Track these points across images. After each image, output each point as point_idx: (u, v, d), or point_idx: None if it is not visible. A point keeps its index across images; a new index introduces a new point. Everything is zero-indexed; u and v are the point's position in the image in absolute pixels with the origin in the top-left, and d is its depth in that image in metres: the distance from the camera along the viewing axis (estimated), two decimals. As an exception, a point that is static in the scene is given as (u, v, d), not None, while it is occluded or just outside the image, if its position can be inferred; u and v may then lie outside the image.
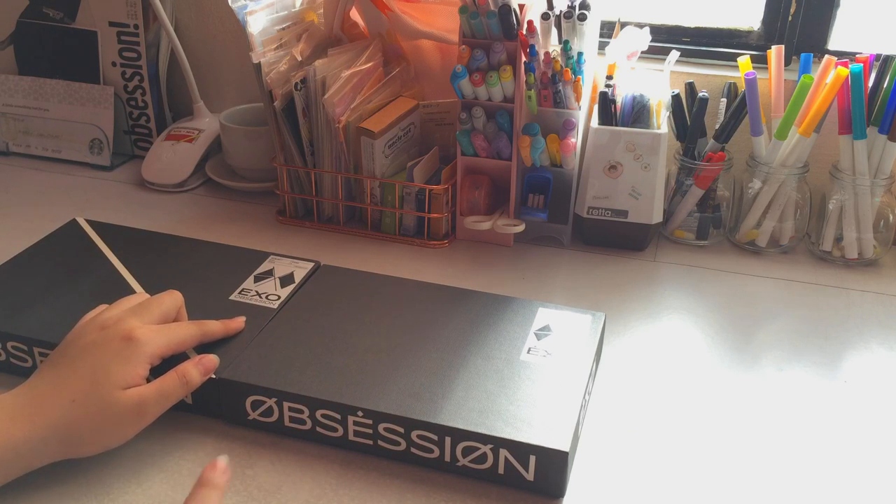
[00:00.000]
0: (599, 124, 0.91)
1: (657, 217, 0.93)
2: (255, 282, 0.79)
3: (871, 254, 0.93)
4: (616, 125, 0.91)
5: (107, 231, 0.87)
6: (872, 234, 0.92)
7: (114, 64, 1.16)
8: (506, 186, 0.94)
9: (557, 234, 0.97)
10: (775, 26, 1.01)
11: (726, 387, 0.74)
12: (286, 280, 0.79)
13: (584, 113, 0.92)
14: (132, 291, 0.77)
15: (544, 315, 0.75)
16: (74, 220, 0.89)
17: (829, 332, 0.82)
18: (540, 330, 0.73)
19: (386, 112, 0.95)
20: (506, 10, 0.85)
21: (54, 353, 0.64)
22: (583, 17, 0.86)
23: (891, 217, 0.93)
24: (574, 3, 0.88)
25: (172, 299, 0.69)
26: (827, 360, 0.78)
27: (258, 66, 0.93)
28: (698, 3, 1.06)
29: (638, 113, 0.91)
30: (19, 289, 0.77)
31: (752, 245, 0.96)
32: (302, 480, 0.62)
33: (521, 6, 0.88)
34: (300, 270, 0.81)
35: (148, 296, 0.70)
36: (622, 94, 0.91)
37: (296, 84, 0.93)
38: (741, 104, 0.91)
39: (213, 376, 0.66)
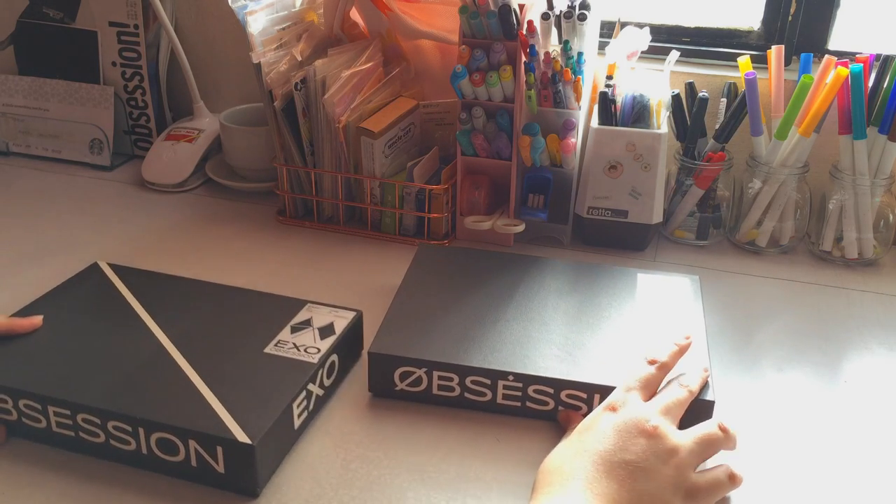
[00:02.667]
0: (599, 124, 0.91)
1: (657, 217, 0.93)
2: (291, 333, 0.72)
3: (871, 254, 0.93)
4: (616, 125, 0.91)
5: (129, 276, 0.80)
6: (872, 234, 0.92)
7: (114, 64, 1.16)
8: (506, 186, 0.94)
9: (557, 234, 0.97)
10: (775, 26, 1.01)
11: (726, 387, 0.74)
12: (326, 331, 0.72)
13: (584, 113, 0.92)
14: (157, 343, 0.70)
15: (645, 280, 0.80)
16: (96, 264, 0.82)
17: (829, 332, 0.82)
18: (646, 293, 0.78)
19: (386, 112, 0.95)
20: (506, 10, 0.85)
21: None
22: (583, 17, 0.86)
23: (891, 217, 0.93)
24: (574, 3, 0.88)
25: None
26: (827, 360, 0.78)
27: (258, 66, 0.93)
28: (698, 3, 1.06)
29: (638, 113, 0.91)
30: (35, 340, 0.70)
31: (752, 245, 0.96)
32: (302, 480, 0.62)
33: (521, 6, 0.88)
34: (341, 320, 0.74)
35: None
36: (622, 94, 0.91)
37: (296, 84, 0.93)
38: (741, 104, 0.91)
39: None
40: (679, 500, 0.56)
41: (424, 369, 0.68)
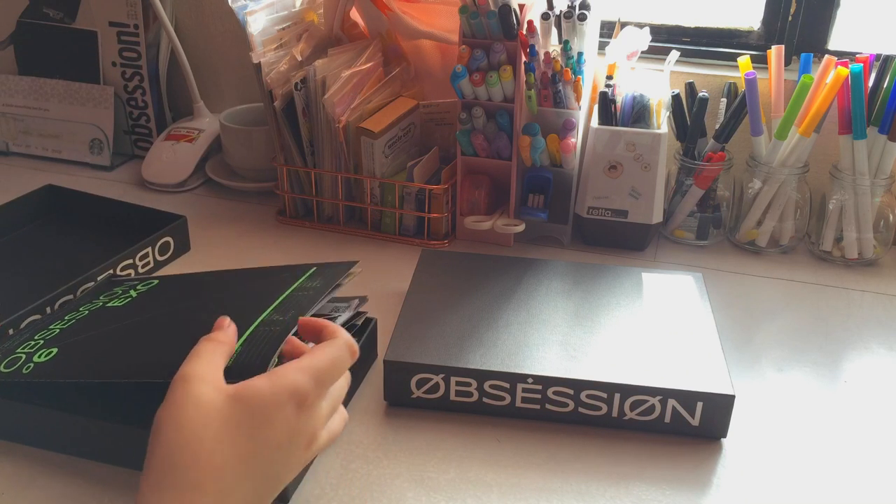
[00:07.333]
0: (599, 124, 0.91)
1: (657, 217, 0.93)
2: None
3: (871, 254, 0.93)
4: (616, 125, 0.91)
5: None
6: (872, 234, 0.92)
7: (114, 64, 1.16)
8: (506, 186, 0.94)
9: (557, 234, 0.97)
10: (775, 26, 1.01)
11: (726, 387, 0.74)
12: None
13: (584, 113, 0.92)
14: None
15: (649, 279, 0.80)
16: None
17: (829, 332, 0.82)
18: (652, 291, 0.78)
19: (386, 112, 0.95)
20: (506, 10, 0.85)
21: None
22: (583, 17, 0.86)
23: (891, 217, 0.93)
24: (574, 3, 0.88)
25: None
26: (827, 360, 0.78)
27: (258, 66, 0.93)
28: (698, 3, 1.06)
29: (638, 113, 0.91)
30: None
31: (752, 245, 0.96)
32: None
33: (521, 6, 0.88)
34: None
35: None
36: (622, 94, 0.91)
37: (296, 84, 0.93)
38: (741, 104, 0.91)
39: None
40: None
41: (442, 375, 0.68)
